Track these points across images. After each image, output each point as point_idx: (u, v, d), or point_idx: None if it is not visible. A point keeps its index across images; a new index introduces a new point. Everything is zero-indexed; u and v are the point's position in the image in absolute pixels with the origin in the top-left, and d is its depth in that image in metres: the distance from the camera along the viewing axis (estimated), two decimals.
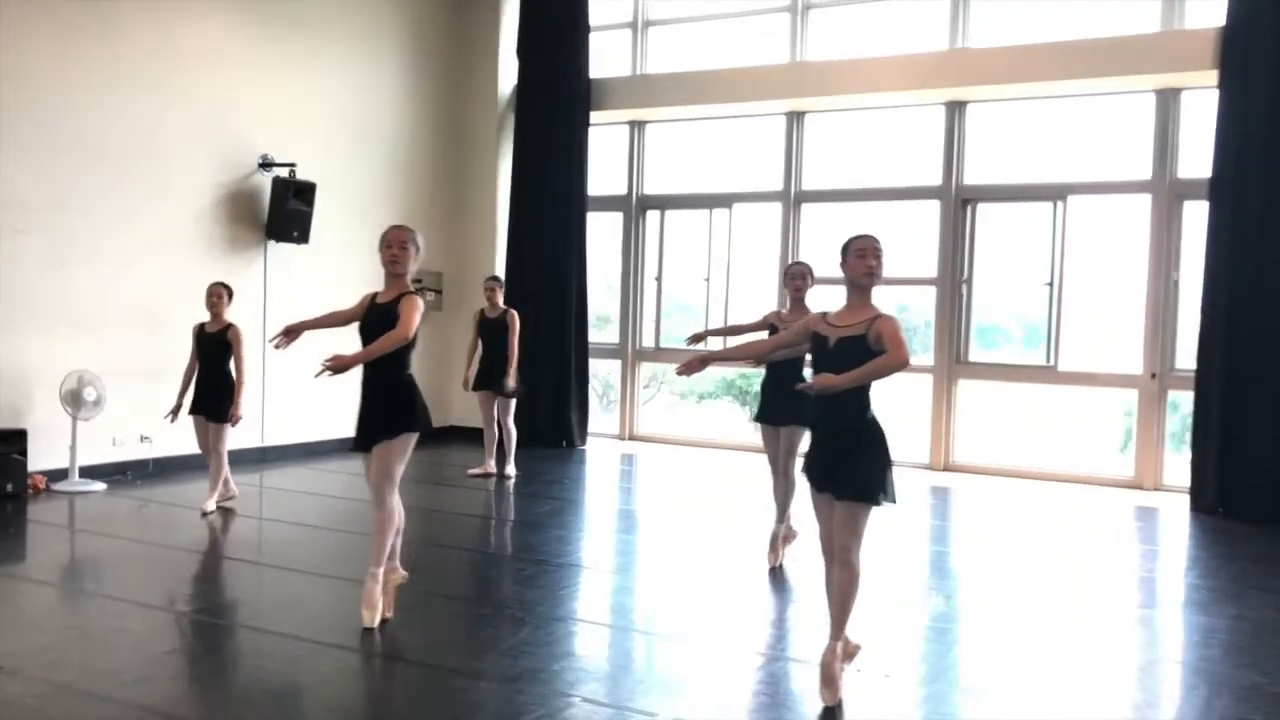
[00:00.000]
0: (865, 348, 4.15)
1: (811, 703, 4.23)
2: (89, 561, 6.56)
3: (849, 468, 4.21)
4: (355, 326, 5.08)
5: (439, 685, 4.42)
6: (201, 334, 7.56)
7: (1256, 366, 8.31)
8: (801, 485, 4.85)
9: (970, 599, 6.06)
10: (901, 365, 4.09)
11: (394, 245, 4.98)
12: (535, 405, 10.71)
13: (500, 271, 11.27)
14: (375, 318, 4.96)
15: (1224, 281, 8.45)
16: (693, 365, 4.71)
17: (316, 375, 4.81)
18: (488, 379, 9.01)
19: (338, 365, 4.74)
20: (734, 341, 6.44)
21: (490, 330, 9.08)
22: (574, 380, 11.08)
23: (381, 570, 5.02)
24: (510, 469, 9.20)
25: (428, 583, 5.66)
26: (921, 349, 10.06)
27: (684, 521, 7.88)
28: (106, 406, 8.18)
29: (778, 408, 6.26)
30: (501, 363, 8.93)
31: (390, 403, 4.98)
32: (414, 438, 5.01)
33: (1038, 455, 9.88)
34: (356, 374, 4.95)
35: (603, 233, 11.71)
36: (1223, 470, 8.40)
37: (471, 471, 9.25)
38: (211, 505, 7.49)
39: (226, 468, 7.60)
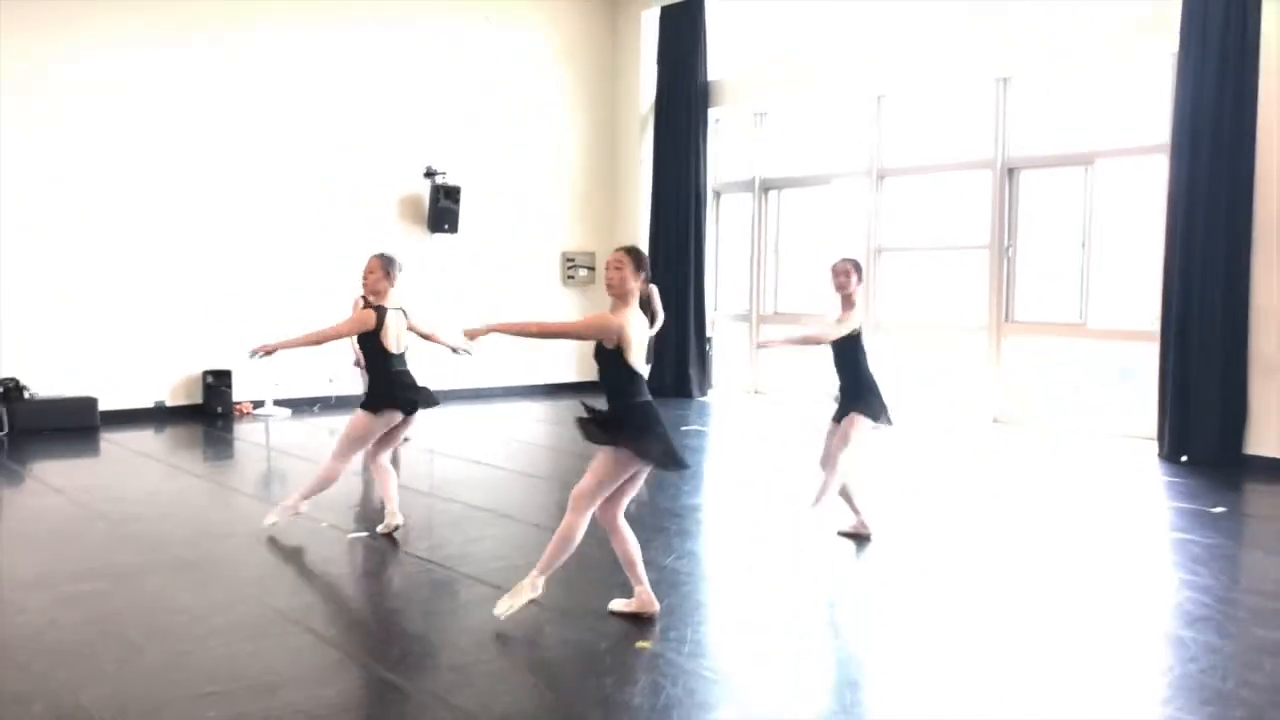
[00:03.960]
0: (602, 346, 4.66)
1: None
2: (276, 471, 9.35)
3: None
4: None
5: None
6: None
7: (1208, 316, 8.70)
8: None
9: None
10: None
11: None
12: (662, 361, 12.70)
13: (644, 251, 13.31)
14: None
15: (1179, 236, 8.85)
16: (477, 333, 4.80)
17: None
18: None
19: None
20: None
21: None
22: (693, 339, 12.97)
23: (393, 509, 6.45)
24: None
25: None
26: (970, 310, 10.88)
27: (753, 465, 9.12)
28: (285, 360, 11.20)
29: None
30: None
31: None
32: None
33: (1076, 410, 10.39)
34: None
35: (737, 213, 13.41)
36: (1179, 418, 8.74)
37: None
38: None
39: None
